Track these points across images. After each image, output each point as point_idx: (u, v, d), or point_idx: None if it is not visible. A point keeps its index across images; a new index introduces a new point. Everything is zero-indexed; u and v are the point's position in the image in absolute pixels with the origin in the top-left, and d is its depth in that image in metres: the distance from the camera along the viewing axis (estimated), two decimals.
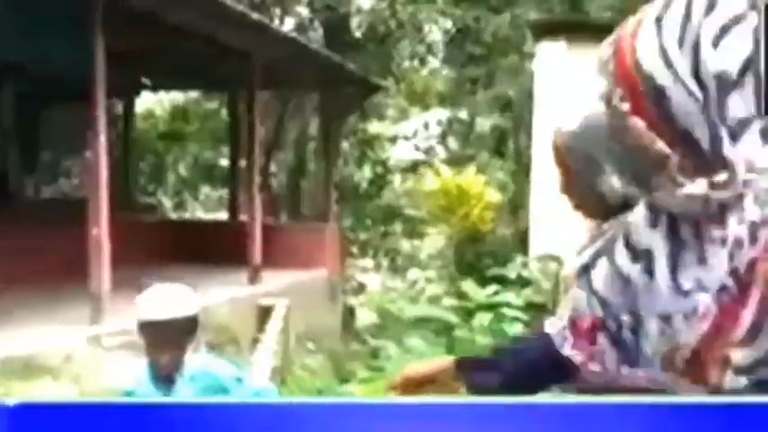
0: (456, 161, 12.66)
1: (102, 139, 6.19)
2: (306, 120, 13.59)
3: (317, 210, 12.35)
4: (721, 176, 0.99)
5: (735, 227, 1.00)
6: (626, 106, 1.04)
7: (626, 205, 1.41)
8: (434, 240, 14.28)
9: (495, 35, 9.59)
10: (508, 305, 6.10)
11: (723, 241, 1.02)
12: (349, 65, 9.46)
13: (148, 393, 2.67)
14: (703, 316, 1.06)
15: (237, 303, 7.52)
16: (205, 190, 15.08)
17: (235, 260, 8.44)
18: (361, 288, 11.09)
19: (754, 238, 0.97)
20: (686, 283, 1.09)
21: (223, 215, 14.95)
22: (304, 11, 12.30)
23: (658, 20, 1.04)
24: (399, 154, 14.52)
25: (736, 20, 1.00)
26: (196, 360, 2.69)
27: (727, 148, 0.98)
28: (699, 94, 0.99)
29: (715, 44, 0.99)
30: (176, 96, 13.87)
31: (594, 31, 9.26)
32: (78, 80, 6.27)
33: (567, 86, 8.87)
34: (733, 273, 1.01)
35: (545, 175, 9.63)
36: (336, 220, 10.59)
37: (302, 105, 13.06)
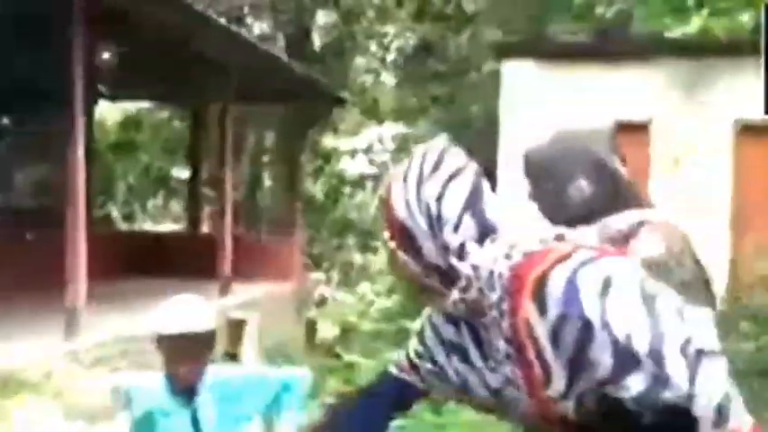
0: None
1: (81, 152, 6.04)
2: (262, 132, 13.54)
3: (275, 222, 12.29)
4: (462, 284, 1.34)
5: (489, 313, 1.35)
6: (392, 243, 1.39)
7: (590, 214, 1.70)
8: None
9: (457, 53, 9.78)
10: None
11: (486, 326, 1.37)
12: (318, 78, 9.50)
13: (169, 409, 2.66)
14: (515, 380, 1.39)
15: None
16: (156, 201, 14.80)
17: (201, 273, 8.33)
18: (322, 301, 11.07)
19: (502, 312, 1.34)
20: (493, 358, 1.41)
21: (174, 227, 14.72)
22: (267, 24, 12.29)
23: (404, 177, 1.40)
24: (353, 168, 14.61)
25: (456, 173, 1.38)
26: (215, 370, 2.69)
27: (460, 265, 1.35)
28: (431, 232, 1.36)
29: (439, 196, 1.36)
30: (127, 106, 13.59)
31: (559, 51, 9.60)
32: (40, 90, 6.11)
33: (533, 105, 9.16)
34: (508, 341, 1.35)
35: (510, 192, 9.88)
36: (301, 232, 10.58)
37: (259, 117, 13.01)
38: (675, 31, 8.68)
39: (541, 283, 1.30)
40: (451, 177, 1.38)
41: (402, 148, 13.70)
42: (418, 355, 1.56)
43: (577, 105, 8.98)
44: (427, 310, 1.57)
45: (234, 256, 8.45)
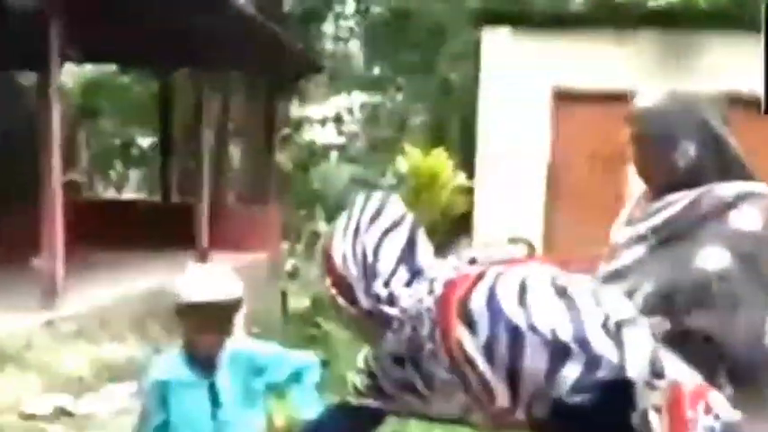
0: (384, 147, 12.67)
1: (57, 114, 5.74)
2: (227, 98, 13.18)
3: (244, 191, 12.05)
4: (394, 326, 1.45)
5: (425, 347, 1.45)
6: (332, 290, 1.51)
7: (694, 179, 1.68)
8: None
9: (436, 20, 9.64)
10: None
11: (427, 358, 1.46)
12: (295, 42, 9.22)
13: (187, 380, 2.55)
14: (471, 404, 1.47)
15: None
16: (119, 169, 14.37)
17: (177, 243, 8.11)
18: (294, 272, 10.92)
19: (435, 342, 1.44)
20: (440, 391, 1.48)
21: (137, 196, 14.34)
22: None
23: (344, 228, 1.50)
24: (321, 138, 14.39)
25: (393, 226, 1.47)
26: (233, 342, 2.60)
27: (389, 310, 1.47)
28: (364, 282, 1.48)
29: (376, 248, 1.45)
30: (89, 69, 13.08)
31: (540, 20, 9.51)
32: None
33: (513, 74, 9.08)
34: (448, 370, 1.44)
35: (490, 161, 9.83)
36: (276, 201, 10.39)
37: (224, 82, 12.65)
38: (659, 1, 8.66)
39: (465, 302, 1.39)
40: (388, 230, 1.49)
41: (372, 117, 13.54)
42: (368, 388, 1.64)
43: (557, 74, 8.95)
44: (365, 350, 1.66)
45: (210, 226, 8.24)
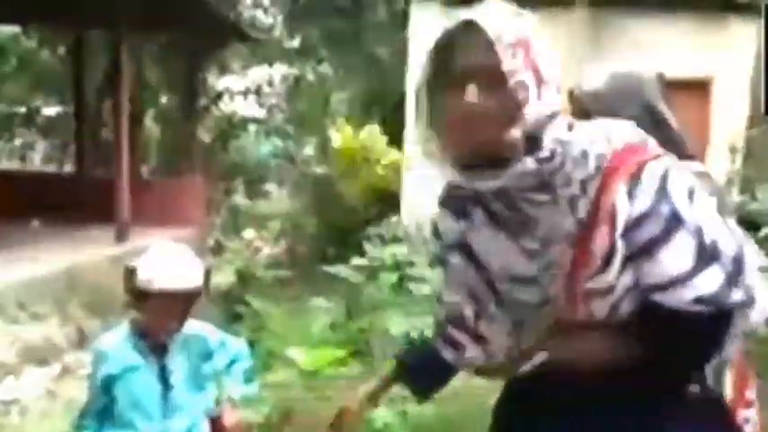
0: (305, 120, 12.45)
1: None
2: (141, 65, 12.62)
3: (164, 163, 11.64)
4: (545, 153, 1.28)
5: (564, 189, 1.32)
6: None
7: None
8: (277, 200, 14.08)
9: None
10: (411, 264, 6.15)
11: (552, 201, 1.32)
12: (219, 7, 8.85)
13: (136, 363, 2.49)
14: (561, 262, 1.34)
15: (108, 263, 6.93)
16: (23, 139, 13.58)
17: (95, 217, 7.75)
18: (219, 247, 10.64)
19: (584, 190, 1.31)
20: (531, 245, 1.37)
21: (44, 168, 13.62)
22: None
23: None
24: (242, 110, 14.01)
25: None
26: (188, 324, 2.57)
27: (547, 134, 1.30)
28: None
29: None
30: None
31: None
32: None
33: None
34: (576, 221, 1.32)
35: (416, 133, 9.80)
36: (202, 174, 10.07)
37: (136, 48, 12.10)
38: None
39: (638, 171, 1.31)
40: None
41: (294, 89, 13.27)
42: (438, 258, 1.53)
43: None
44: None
45: (131, 199, 7.90)
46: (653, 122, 1.68)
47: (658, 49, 8.84)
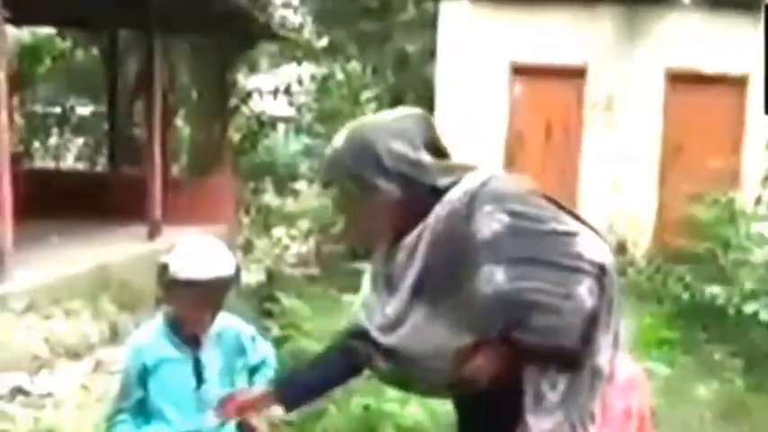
0: (334, 118, 12.43)
1: (2, 80, 5.40)
2: (173, 66, 12.74)
3: (195, 162, 11.74)
4: None
5: None
6: None
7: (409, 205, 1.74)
8: (306, 198, 14.10)
9: None
10: None
11: None
12: (249, 7, 8.89)
13: (170, 355, 2.49)
14: None
15: (140, 260, 7.00)
16: (58, 138, 13.78)
17: (129, 215, 7.84)
18: (249, 245, 10.71)
19: None
20: None
21: (77, 166, 13.81)
22: None
23: None
24: (271, 109, 14.05)
25: None
26: (220, 317, 2.56)
27: None
28: None
29: None
30: (23, 34, 12.45)
31: None
32: None
33: (471, 45, 9.03)
34: None
35: (446, 135, 9.78)
36: (232, 173, 10.13)
37: (168, 48, 12.22)
38: None
39: None
40: None
41: (323, 88, 13.27)
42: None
43: (514, 47, 8.94)
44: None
45: (163, 198, 7.97)
46: (401, 168, 1.68)
47: (694, 45, 8.71)
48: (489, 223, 1.56)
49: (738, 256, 6.30)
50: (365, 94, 10.02)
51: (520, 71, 8.95)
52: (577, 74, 8.96)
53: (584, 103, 9.00)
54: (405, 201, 1.66)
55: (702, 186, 7.11)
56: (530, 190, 1.65)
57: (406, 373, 1.69)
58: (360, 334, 1.76)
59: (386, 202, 1.67)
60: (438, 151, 1.70)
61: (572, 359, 1.56)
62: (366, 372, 1.84)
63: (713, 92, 8.51)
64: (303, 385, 1.90)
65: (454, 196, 1.62)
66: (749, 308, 5.56)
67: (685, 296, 6.56)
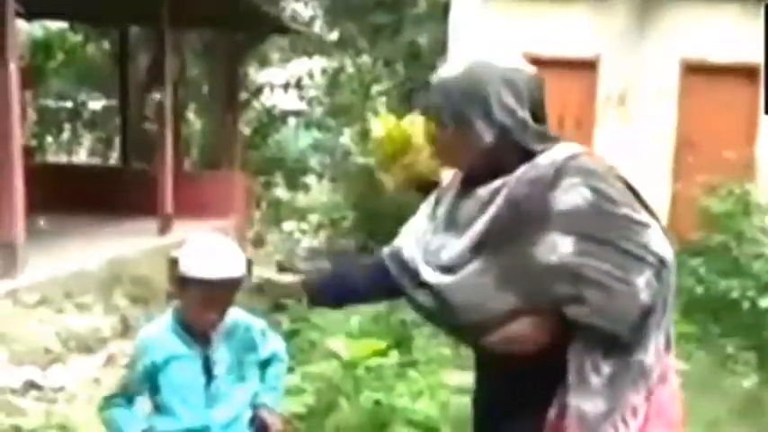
0: (345, 112, 12.43)
1: (14, 75, 5.41)
2: (184, 60, 12.75)
3: (206, 156, 11.76)
4: None
5: None
6: None
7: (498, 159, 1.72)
8: (317, 192, 14.11)
9: None
10: None
11: None
12: (258, 2, 8.88)
13: (171, 347, 2.46)
14: None
15: (152, 254, 7.03)
16: (70, 132, 13.83)
17: (139, 209, 7.86)
18: (259, 239, 10.74)
19: None
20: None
21: (89, 160, 13.87)
22: None
23: None
24: (282, 103, 14.06)
25: None
26: (231, 312, 2.53)
27: None
28: None
29: None
30: (34, 29, 12.49)
31: None
32: None
33: (483, 38, 8.98)
34: None
35: None
36: (242, 167, 10.13)
37: (179, 42, 12.23)
38: None
39: None
40: None
41: (334, 82, 13.26)
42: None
43: (525, 40, 8.87)
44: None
45: (174, 192, 7.99)
46: (507, 122, 1.69)
47: (708, 36, 8.62)
48: (571, 194, 1.57)
49: (753, 249, 6.24)
50: (376, 88, 10.00)
51: (531, 64, 8.88)
52: (590, 66, 8.89)
53: (596, 95, 8.94)
54: (492, 150, 1.66)
55: (716, 178, 7.03)
56: (616, 174, 1.67)
57: (441, 314, 1.69)
58: (401, 260, 1.79)
59: (474, 144, 1.67)
60: (536, 116, 1.70)
61: (620, 347, 1.55)
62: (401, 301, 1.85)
63: (728, 83, 8.43)
64: (333, 283, 1.94)
65: (543, 161, 1.63)
66: (764, 301, 5.50)
67: (699, 289, 6.50)
